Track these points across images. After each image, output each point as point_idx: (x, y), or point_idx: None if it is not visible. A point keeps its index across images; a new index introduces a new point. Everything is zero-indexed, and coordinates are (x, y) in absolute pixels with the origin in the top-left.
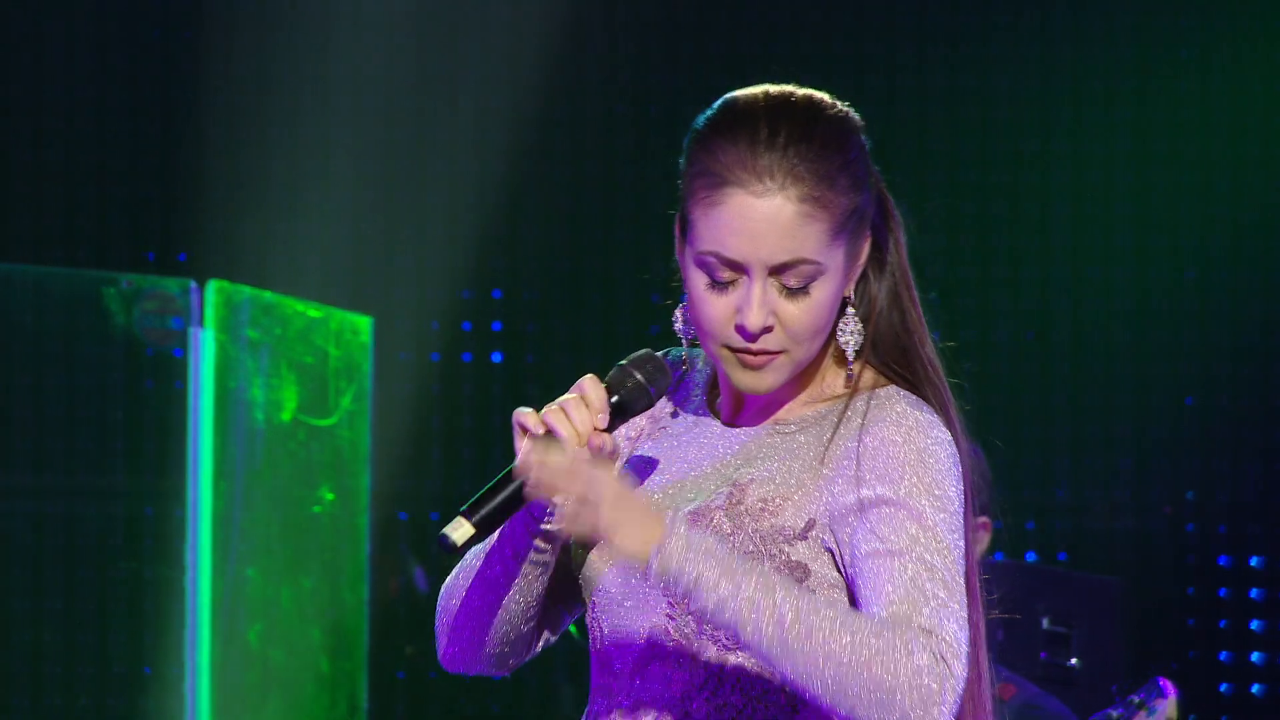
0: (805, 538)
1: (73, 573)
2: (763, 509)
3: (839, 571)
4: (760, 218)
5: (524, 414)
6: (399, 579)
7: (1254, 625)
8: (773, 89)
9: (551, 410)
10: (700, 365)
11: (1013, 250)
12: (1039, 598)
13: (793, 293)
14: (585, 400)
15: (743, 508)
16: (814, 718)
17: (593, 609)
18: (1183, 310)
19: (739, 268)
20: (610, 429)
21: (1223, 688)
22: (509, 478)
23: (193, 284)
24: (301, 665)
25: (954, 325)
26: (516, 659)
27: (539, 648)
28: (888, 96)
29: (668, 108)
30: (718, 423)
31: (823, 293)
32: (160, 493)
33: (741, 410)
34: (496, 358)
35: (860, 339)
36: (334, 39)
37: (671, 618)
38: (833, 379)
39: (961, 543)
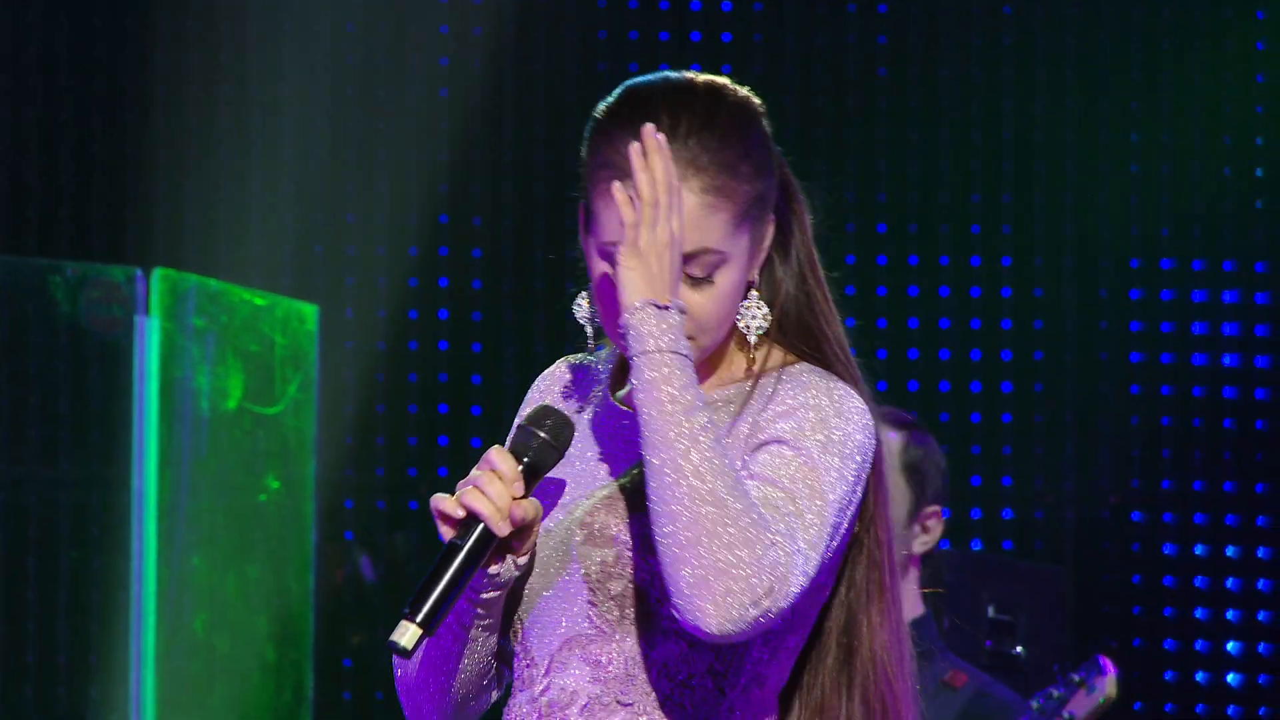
0: None
1: (17, 562)
2: None
3: None
4: None
5: (441, 500)
6: (345, 568)
7: (1199, 614)
8: (673, 76)
9: (468, 492)
10: (601, 360)
11: (957, 239)
12: (985, 586)
13: (697, 282)
14: (497, 474)
15: None
16: (741, 700)
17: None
18: (1128, 299)
19: None
20: (526, 493)
21: (1167, 675)
22: (443, 566)
23: (138, 272)
24: (247, 654)
25: (900, 313)
26: (479, 710)
27: (495, 696)
28: (861, 84)
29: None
30: (623, 408)
31: (727, 280)
32: (106, 481)
33: None
34: (443, 346)
35: (763, 323)
36: (281, 26)
37: (593, 604)
38: (740, 361)
39: (842, 499)
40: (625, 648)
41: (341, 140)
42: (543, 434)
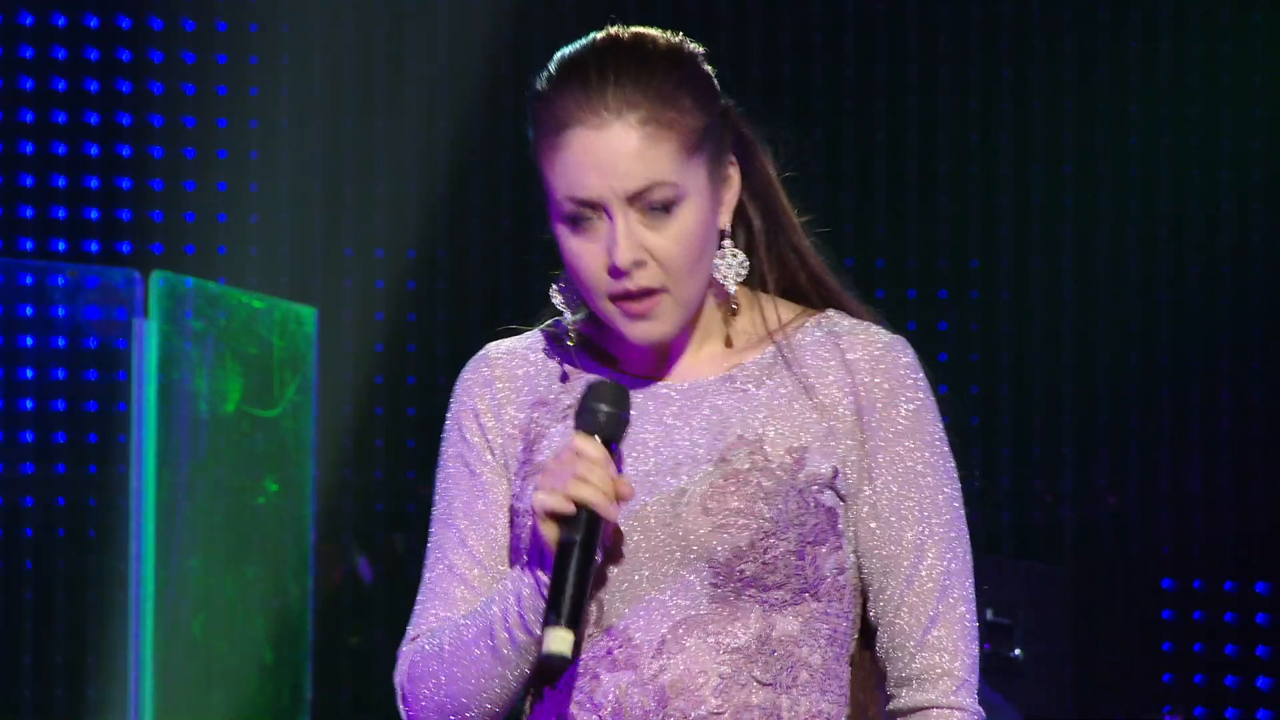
0: (832, 485)
1: (15, 563)
2: (794, 463)
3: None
4: (604, 148)
5: (548, 499)
6: (343, 569)
7: (1197, 616)
8: (599, 35)
9: (571, 483)
10: (538, 338)
11: (957, 240)
12: (982, 589)
13: (656, 220)
14: (588, 459)
15: (775, 465)
16: (846, 667)
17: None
18: (1127, 299)
19: (596, 206)
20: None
21: (1166, 678)
22: (565, 563)
23: (136, 275)
24: (245, 655)
25: (898, 316)
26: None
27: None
28: (880, 83)
29: None
30: (650, 381)
31: (689, 217)
32: (104, 483)
33: (669, 366)
34: (440, 350)
35: (741, 270)
36: (278, 28)
37: (717, 586)
38: (756, 317)
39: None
40: (750, 626)
41: (339, 143)
42: (606, 407)
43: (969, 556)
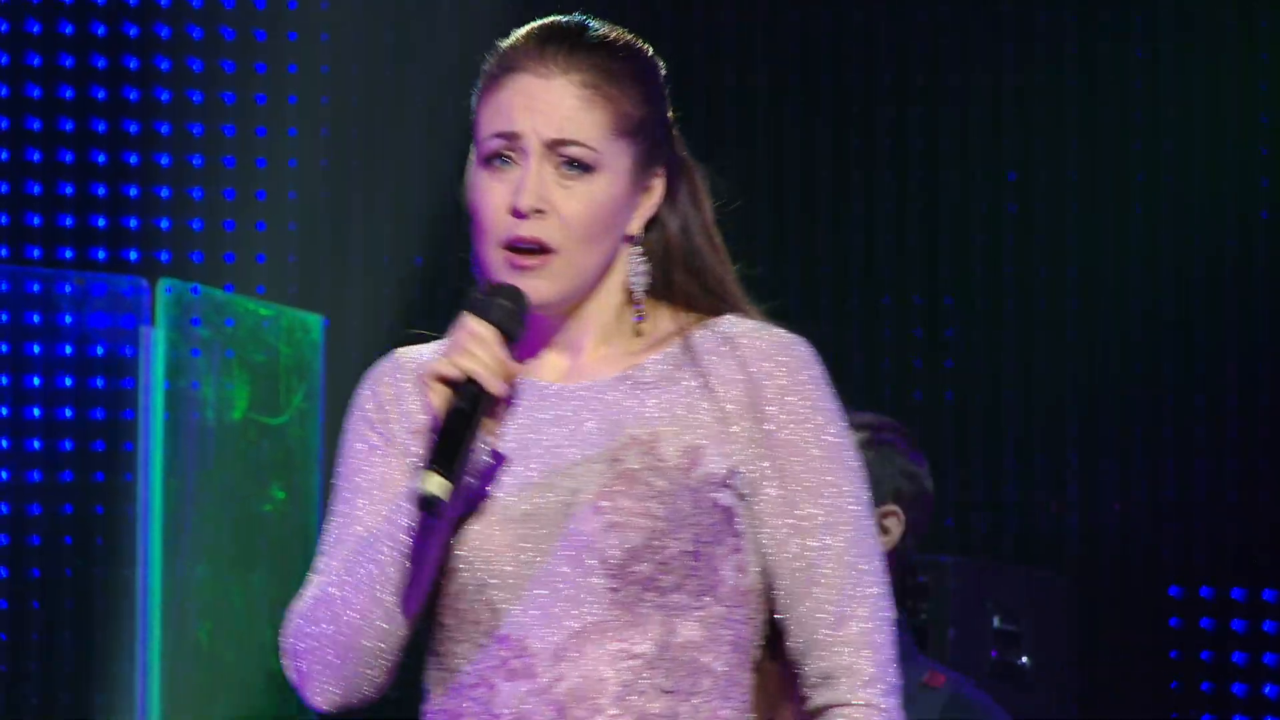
0: (729, 485)
1: (22, 571)
2: (689, 462)
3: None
4: (540, 94)
5: (435, 364)
6: None
7: (1204, 624)
8: (574, 16)
9: (459, 354)
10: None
11: (959, 248)
12: (989, 596)
13: (568, 178)
14: (478, 336)
15: (669, 464)
16: (749, 675)
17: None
18: (1130, 306)
19: (516, 141)
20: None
21: (1173, 685)
22: (452, 425)
23: (144, 282)
24: (252, 664)
25: (903, 322)
26: (397, 667)
27: (386, 682)
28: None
29: None
30: (545, 384)
31: (600, 189)
32: (110, 491)
33: (567, 371)
34: None
35: (647, 278)
36: (284, 35)
37: (615, 590)
38: (656, 321)
39: None
40: (651, 632)
41: (346, 149)
42: (504, 301)
43: (876, 550)
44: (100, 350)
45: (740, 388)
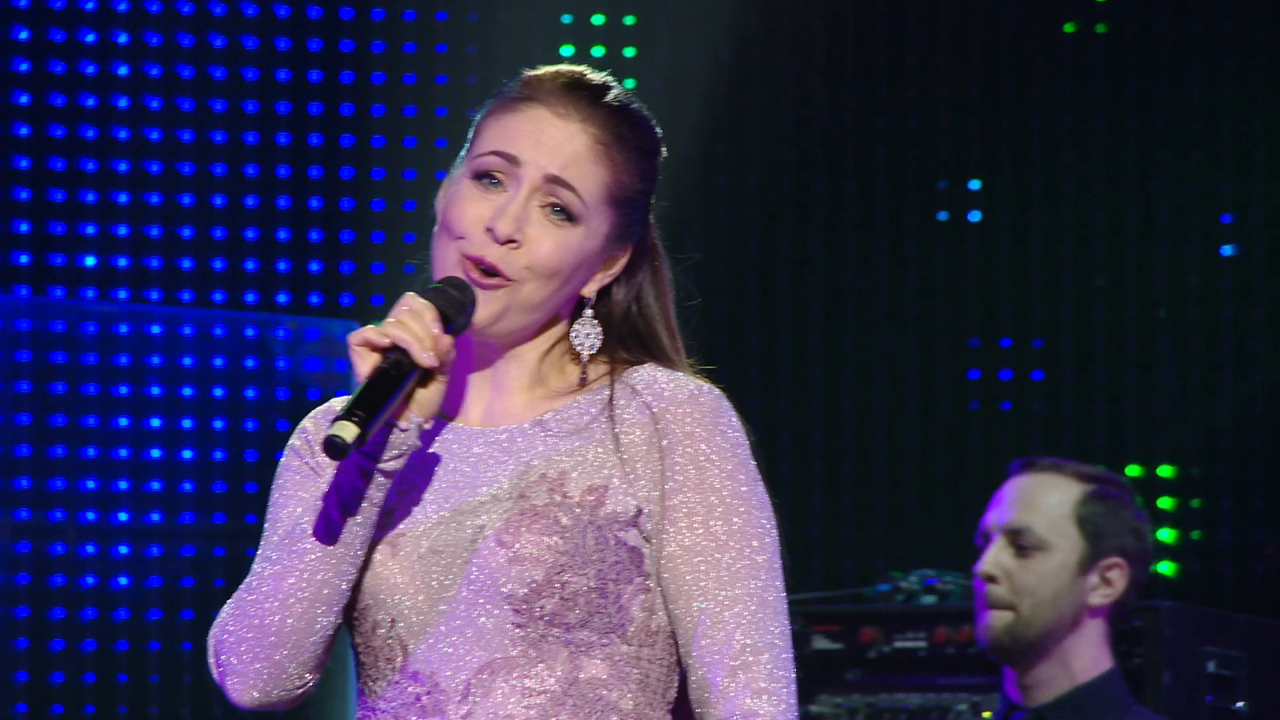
0: (636, 524)
1: (176, 613)
2: (595, 501)
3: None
4: (552, 130)
5: (363, 330)
6: None
7: None
8: (611, 77)
9: (389, 324)
10: None
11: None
12: (1205, 641)
13: (549, 221)
14: (413, 309)
15: (574, 500)
16: (670, 711)
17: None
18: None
19: (515, 166)
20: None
21: None
22: (374, 383)
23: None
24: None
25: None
26: (320, 668)
27: (314, 679)
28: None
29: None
30: (464, 426)
31: (575, 241)
32: None
33: (486, 414)
34: None
35: (596, 341)
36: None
37: (520, 626)
38: (573, 372)
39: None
40: (557, 669)
41: None
42: (451, 289)
43: (777, 594)
44: (315, 394)
45: (646, 431)
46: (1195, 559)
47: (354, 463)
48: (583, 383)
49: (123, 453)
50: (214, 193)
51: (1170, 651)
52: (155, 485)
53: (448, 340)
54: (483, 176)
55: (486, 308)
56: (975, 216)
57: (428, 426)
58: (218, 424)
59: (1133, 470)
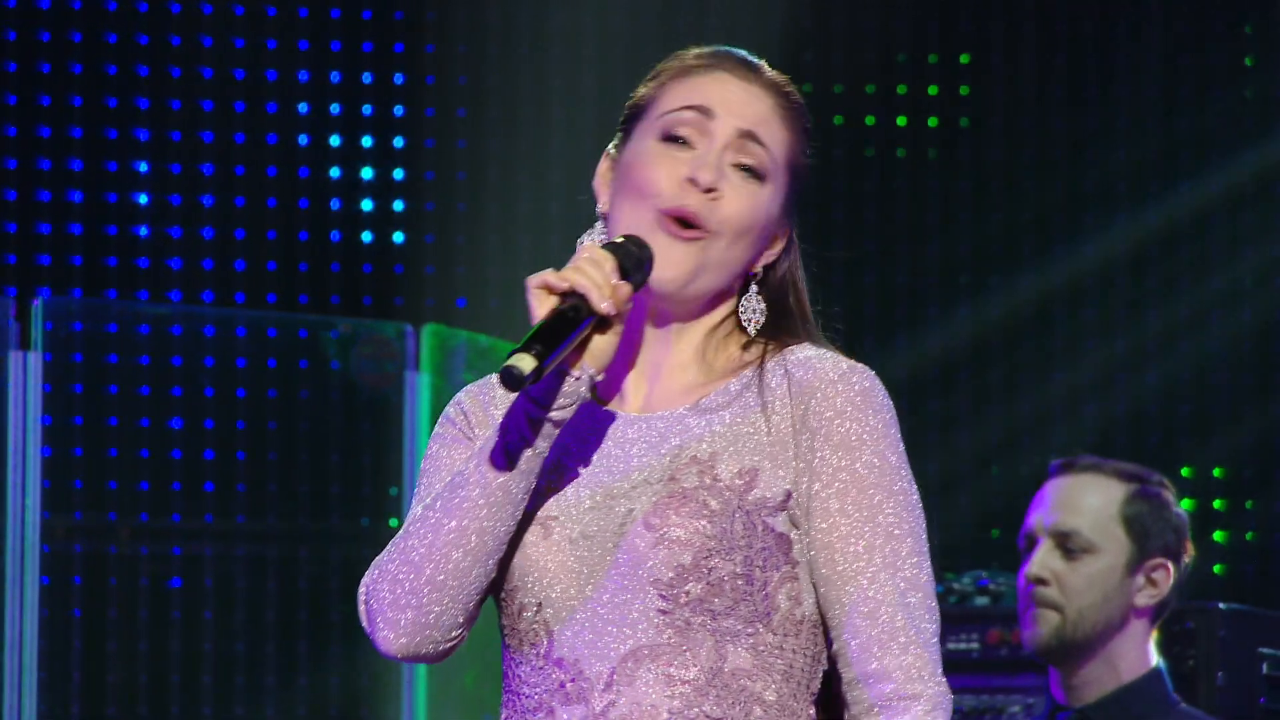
0: (784, 509)
1: (289, 615)
2: (744, 484)
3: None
4: (740, 91)
5: (543, 274)
6: None
7: None
8: None
9: (569, 270)
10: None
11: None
12: (1259, 642)
13: (739, 179)
14: (593, 259)
15: (723, 484)
16: (808, 703)
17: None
18: None
19: (708, 119)
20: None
21: None
22: (553, 321)
23: (408, 328)
24: None
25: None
26: (469, 624)
27: (464, 635)
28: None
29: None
30: (622, 412)
31: (764, 199)
32: (376, 535)
33: (643, 400)
34: None
35: (762, 317)
36: (549, 82)
37: (665, 612)
38: (734, 352)
39: None
40: (702, 657)
41: None
42: (633, 247)
43: (928, 577)
44: (366, 396)
45: (798, 410)
46: (1249, 560)
47: (522, 409)
48: (745, 359)
49: (175, 454)
50: (269, 196)
51: (1224, 653)
52: (208, 487)
53: (626, 289)
54: (672, 138)
55: (681, 265)
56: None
57: (600, 379)
58: (270, 425)
59: (1185, 471)
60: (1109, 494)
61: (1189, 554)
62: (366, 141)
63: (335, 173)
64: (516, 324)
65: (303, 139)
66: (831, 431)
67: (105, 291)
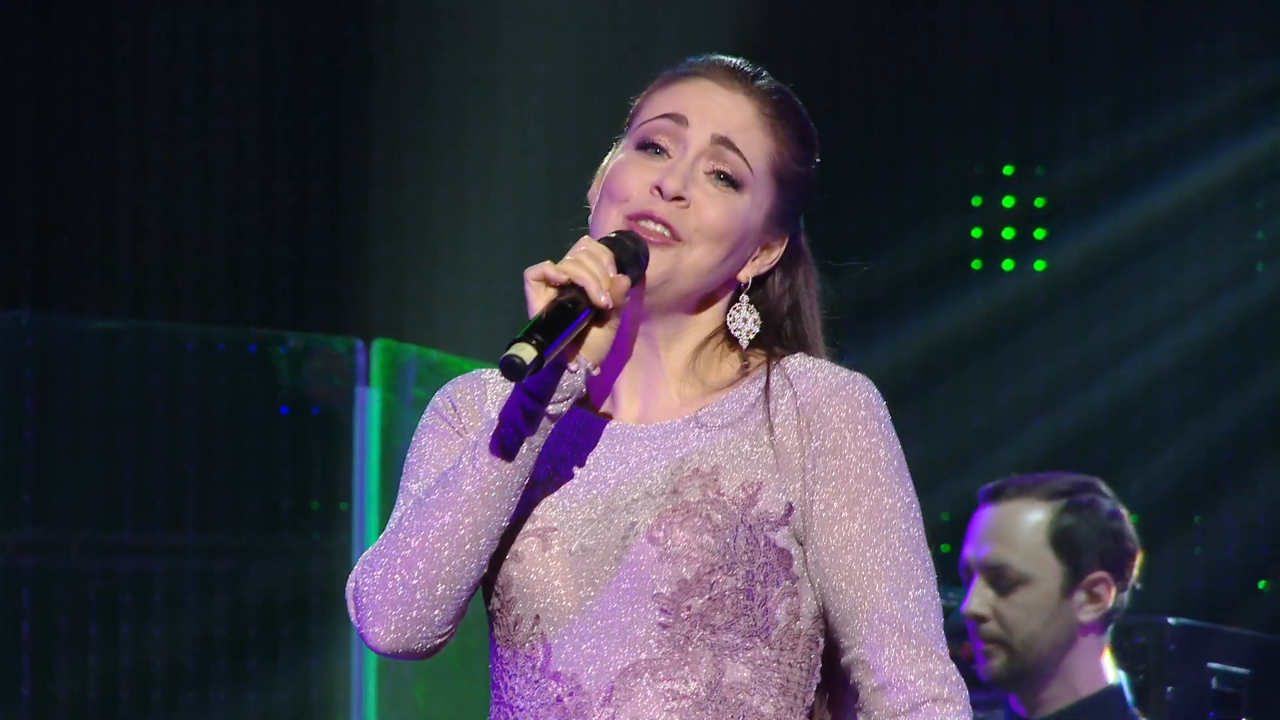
0: (786, 523)
1: (239, 630)
2: (747, 498)
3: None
4: (720, 99)
5: (541, 265)
6: None
7: None
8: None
9: (567, 262)
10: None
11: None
12: (1208, 657)
13: (714, 187)
14: (590, 251)
15: (726, 498)
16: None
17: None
18: None
19: (681, 127)
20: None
21: None
22: (552, 311)
23: (358, 343)
24: None
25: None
26: (458, 620)
27: (451, 632)
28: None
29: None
30: (619, 422)
31: (741, 208)
32: (326, 550)
33: (640, 409)
34: None
35: (754, 328)
36: (499, 98)
37: (665, 626)
38: (728, 367)
39: None
40: (700, 671)
41: (557, 210)
42: (629, 241)
43: (932, 581)
44: (316, 410)
45: (799, 421)
46: (1197, 575)
47: (518, 403)
48: (743, 372)
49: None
50: (215, 211)
51: (1173, 668)
52: (158, 502)
53: (624, 282)
54: (647, 146)
55: (656, 266)
56: (1040, 232)
57: (596, 373)
58: (221, 440)
59: (1133, 486)
60: (1037, 518)
61: (1135, 557)
62: (317, 157)
63: (286, 188)
64: (467, 338)
65: (251, 155)
66: (838, 443)
67: (54, 307)
